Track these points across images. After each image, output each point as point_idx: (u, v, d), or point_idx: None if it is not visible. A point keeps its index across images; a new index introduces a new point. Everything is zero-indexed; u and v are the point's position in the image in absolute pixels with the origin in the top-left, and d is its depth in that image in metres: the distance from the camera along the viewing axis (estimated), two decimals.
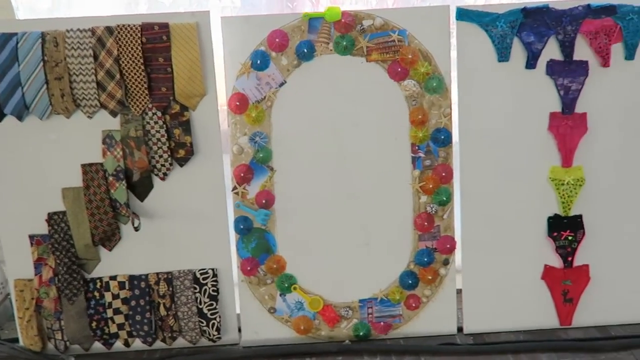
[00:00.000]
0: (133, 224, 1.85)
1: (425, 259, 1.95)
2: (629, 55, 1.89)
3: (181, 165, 1.86)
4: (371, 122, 1.90)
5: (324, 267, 1.97)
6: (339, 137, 1.91)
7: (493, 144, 1.93)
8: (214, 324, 1.96)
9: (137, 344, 1.99)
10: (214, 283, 1.95)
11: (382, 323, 1.99)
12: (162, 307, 1.95)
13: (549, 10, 1.87)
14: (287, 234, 1.95)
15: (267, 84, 1.87)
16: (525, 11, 1.86)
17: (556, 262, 1.98)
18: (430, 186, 1.92)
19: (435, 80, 1.88)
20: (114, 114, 1.81)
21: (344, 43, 1.85)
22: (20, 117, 1.82)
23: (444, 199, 1.93)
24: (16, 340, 2.00)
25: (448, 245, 1.96)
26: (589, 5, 1.86)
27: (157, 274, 1.94)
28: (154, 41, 1.75)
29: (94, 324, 1.95)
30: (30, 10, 2.21)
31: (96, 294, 1.94)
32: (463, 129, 1.92)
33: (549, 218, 1.96)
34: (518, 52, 1.88)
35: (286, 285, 1.97)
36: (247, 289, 1.97)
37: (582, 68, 1.90)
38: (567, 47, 1.89)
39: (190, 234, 1.93)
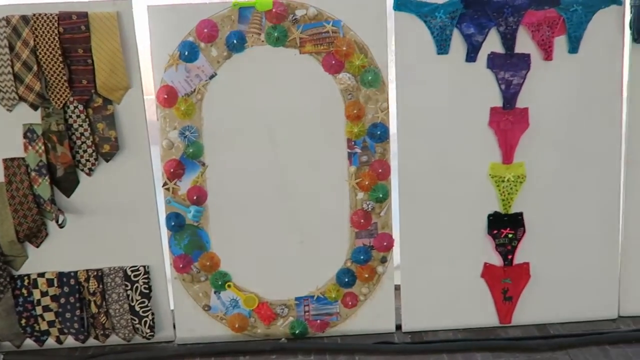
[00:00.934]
0: (57, 221, 1.80)
1: (362, 257, 1.91)
2: (573, 49, 1.83)
3: (107, 161, 1.80)
4: (306, 116, 1.84)
5: (259, 264, 1.93)
6: (273, 132, 1.85)
7: (432, 139, 1.87)
8: (146, 321, 1.92)
9: (70, 341, 1.95)
10: (146, 280, 1.90)
11: (318, 321, 1.96)
12: (93, 305, 1.91)
13: (490, 1, 1.79)
14: (220, 230, 1.90)
15: (196, 76, 1.80)
16: (466, 2, 1.79)
17: (496, 260, 1.95)
18: (367, 183, 1.87)
19: (371, 74, 1.81)
20: (34, 107, 1.74)
21: (276, 34, 1.78)
22: None
23: (381, 195, 1.88)
24: None
25: (385, 243, 1.92)
26: None
27: (87, 271, 1.89)
28: (72, 31, 1.67)
29: (23, 321, 1.90)
30: None
31: (24, 291, 1.89)
32: (401, 124, 1.87)
33: (489, 215, 1.91)
34: (458, 44, 1.82)
35: (220, 282, 1.93)
36: (181, 286, 1.93)
37: (524, 61, 1.83)
38: (508, 40, 1.82)
39: (120, 230, 1.88)
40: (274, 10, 1.77)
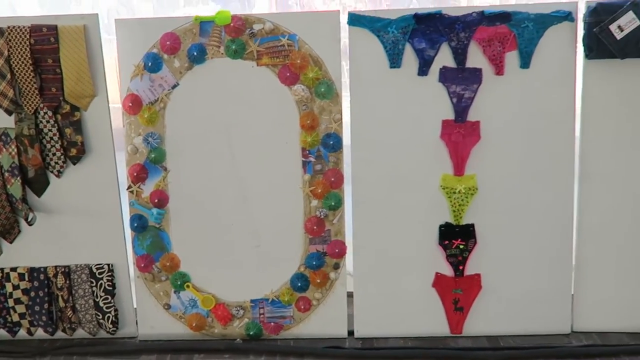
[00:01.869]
0: (27, 219, 1.92)
1: (315, 263, 1.97)
2: (524, 64, 1.86)
3: (74, 164, 1.92)
4: (262, 125, 1.92)
5: (217, 266, 2.01)
6: (231, 140, 1.93)
7: (385, 150, 1.92)
8: (109, 317, 2.02)
9: (41, 332, 2.07)
10: (110, 278, 2.01)
11: (272, 324, 2.02)
12: (60, 299, 2.02)
13: (441, 17, 1.85)
14: (181, 233, 1.99)
15: (160, 85, 1.91)
16: (417, 17, 1.84)
17: (447, 270, 1.97)
18: (320, 191, 1.93)
19: (324, 86, 1.88)
20: (8, 112, 1.87)
21: (234, 47, 1.87)
22: None
23: (333, 203, 1.94)
24: None
25: (337, 250, 1.97)
26: (482, 12, 1.84)
27: (56, 267, 2.01)
28: (43, 43, 1.80)
29: None
30: None
31: None
32: (355, 135, 1.92)
33: (441, 226, 1.95)
34: (410, 58, 1.87)
35: (179, 282, 2.01)
36: (143, 285, 2.03)
37: (476, 76, 1.87)
38: (460, 55, 1.86)
39: (86, 229, 1.99)
40: (232, 24, 1.86)
